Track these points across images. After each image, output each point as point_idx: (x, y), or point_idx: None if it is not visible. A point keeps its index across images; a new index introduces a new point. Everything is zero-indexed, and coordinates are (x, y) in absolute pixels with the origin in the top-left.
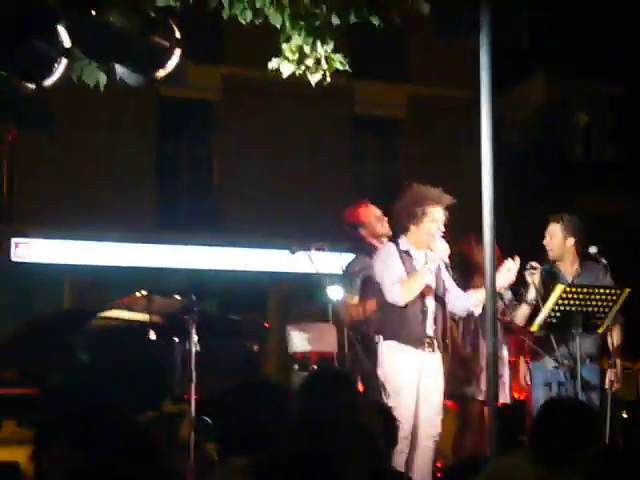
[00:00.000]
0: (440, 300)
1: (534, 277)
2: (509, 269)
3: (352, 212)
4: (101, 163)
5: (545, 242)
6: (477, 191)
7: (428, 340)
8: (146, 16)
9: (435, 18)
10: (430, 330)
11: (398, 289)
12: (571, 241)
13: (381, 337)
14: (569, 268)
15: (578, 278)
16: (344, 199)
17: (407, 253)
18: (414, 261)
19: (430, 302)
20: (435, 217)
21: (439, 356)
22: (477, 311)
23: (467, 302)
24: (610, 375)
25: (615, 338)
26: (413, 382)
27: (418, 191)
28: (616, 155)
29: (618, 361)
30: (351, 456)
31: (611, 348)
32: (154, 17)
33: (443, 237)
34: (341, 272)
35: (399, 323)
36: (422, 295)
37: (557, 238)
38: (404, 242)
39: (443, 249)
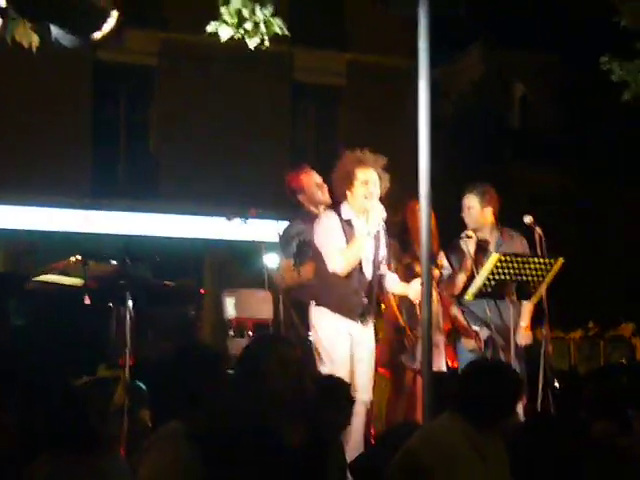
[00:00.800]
0: (377, 267)
1: (469, 246)
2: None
3: (292, 178)
4: (36, 128)
5: (463, 214)
6: (415, 159)
7: (362, 309)
8: None
9: None
10: (365, 299)
11: (340, 259)
12: (488, 211)
13: (313, 302)
14: (489, 238)
15: (500, 248)
16: (282, 167)
17: (349, 222)
18: (355, 230)
19: (367, 269)
20: (366, 179)
21: (372, 325)
22: (416, 300)
23: (394, 286)
24: (545, 344)
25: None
26: (346, 348)
27: (350, 156)
28: (552, 124)
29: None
30: (289, 421)
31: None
32: None
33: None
34: (277, 238)
35: (334, 291)
36: (359, 263)
37: (475, 209)
38: (346, 210)
39: (379, 212)
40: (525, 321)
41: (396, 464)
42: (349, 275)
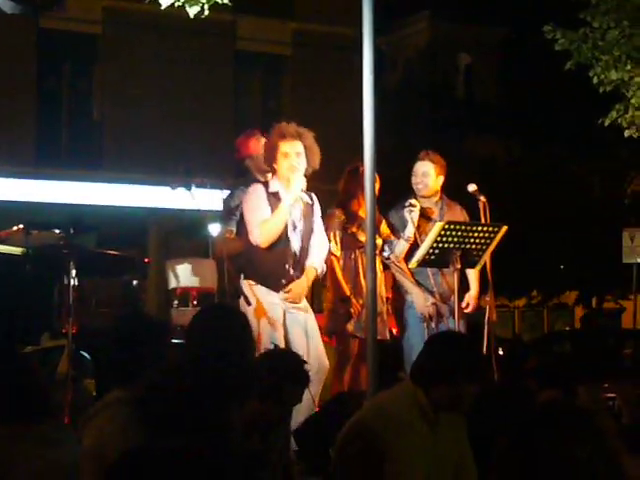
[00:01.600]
0: (306, 240)
1: (413, 214)
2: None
3: (241, 142)
4: None
5: (415, 180)
6: (359, 129)
7: (287, 280)
8: None
9: None
10: (292, 269)
11: (259, 230)
12: (441, 179)
13: (242, 275)
14: (434, 207)
15: (444, 217)
16: (226, 136)
17: (275, 195)
18: (282, 203)
19: (294, 240)
20: (286, 151)
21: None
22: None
23: (317, 256)
24: (488, 311)
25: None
26: (280, 317)
27: (275, 129)
28: (497, 96)
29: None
30: (238, 393)
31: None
32: None
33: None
34: (220, 207)
35: (259, 264)
36: (286, 235)
37: (430, 176)
38: (274, 183)
39: (299, 182)
40: (474, 289)
41: (347, 434)
42: (273, 247)
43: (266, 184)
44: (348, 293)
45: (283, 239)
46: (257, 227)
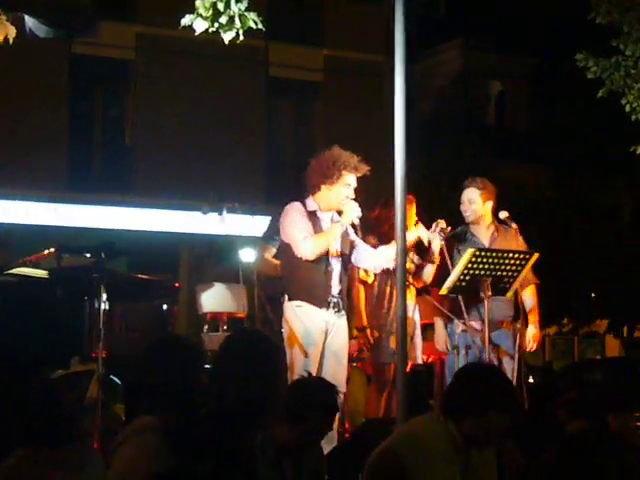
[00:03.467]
0: (345, 262)
1: (441, 238)
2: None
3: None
4: (12, 122)
5: (463, 207)
6: (391, 154)
7: (334, 300)
8: None
9: None
10: (335, 290)
11: (310, 243)
12: (489, 205)
13: (286, 296)
14: (485, 232)
15: (495, 242)
16: (257, 161)
17: (314, 214)
18: (321, 222)
19: (335, 263)
20: (349, 182)
21: (344, 315)
22: (390, 265)
23: (378, 258)
24: (519, 338)
25: (529, 300)
26: (319, 341)
27: (338, 154)
28: (528, 124)
29: (533, 323)
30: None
31: (527, 310)
32: None
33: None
34: (251, 232)
35: (304, 282)
36: (327, 255)
37: (476, 203)
38: (311, 203)
39: (355, 209)
40: (535, 328)
41: (377, 460)
42: (315, 266)
43: (303, 203)
44: (365, 323)
45: (323, 259)
46: (304, 241)
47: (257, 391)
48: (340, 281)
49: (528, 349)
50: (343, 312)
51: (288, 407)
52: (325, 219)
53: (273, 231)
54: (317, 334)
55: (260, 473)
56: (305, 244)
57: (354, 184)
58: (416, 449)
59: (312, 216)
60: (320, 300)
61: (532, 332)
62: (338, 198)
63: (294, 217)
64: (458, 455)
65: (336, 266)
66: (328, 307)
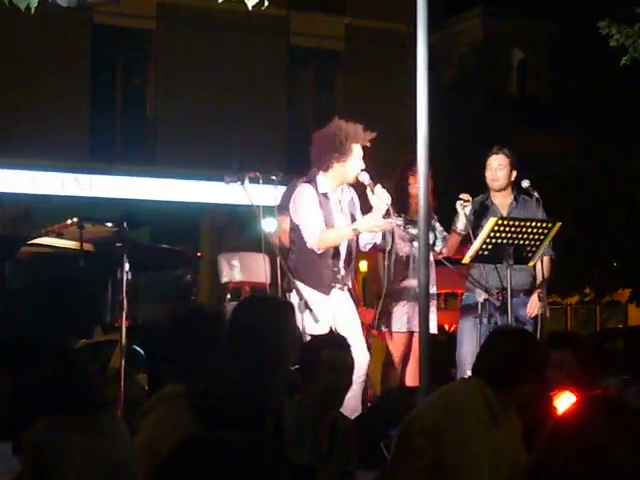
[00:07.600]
0: (353, 239)
1: (465, 209)
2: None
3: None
4: (34, 93)
5: (490, 174)
6: (413, 124)
7: (336, 281)
8: None
9: None
10: (343, 271)
11: (318, 236)
12: (514, 174)
13: (291, 275)
14: (505, 201)
15: (513, 211)
16: (279, 130)
17: (325, 195)
18: (330, 203)
19: (343, 244)
20: (360, 153)
21: (348, 290)
22: (377, 239)
23: (361, 238)
24: (542, 308)
25: (545, 271)
26: (329, 316)
27: (346, 127)
28: (550, 91)
29: (537, 292)
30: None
31: (539, 280)
32: None
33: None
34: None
35: (310, 266)
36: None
37: (505, 170)
38: (322, 183)
39: (385, 196)
40: (535, 296)
41: (408, 429)
42: (325, 251)
43: (315, 184)
44: (382, 292)
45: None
46: (315, 233)
47: (273, 353)
48: (347, 259)
49: (527, 316)
50: (347, 286)
51: (300, 370)
52: (334, 200)
53: (286, 201)
54: (326, 310)
55: (288, 440)
56: (314, 237)
57: (361, 154)
58: (455, 418)
59: (323, 199)
60: (322, 285)
61: (533, 299)
62: (352, 171)
63: (305, 204)
64: (494, 424)
65: (343, 245)
66: (330, 289)
